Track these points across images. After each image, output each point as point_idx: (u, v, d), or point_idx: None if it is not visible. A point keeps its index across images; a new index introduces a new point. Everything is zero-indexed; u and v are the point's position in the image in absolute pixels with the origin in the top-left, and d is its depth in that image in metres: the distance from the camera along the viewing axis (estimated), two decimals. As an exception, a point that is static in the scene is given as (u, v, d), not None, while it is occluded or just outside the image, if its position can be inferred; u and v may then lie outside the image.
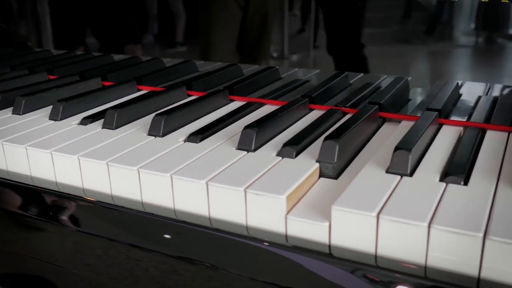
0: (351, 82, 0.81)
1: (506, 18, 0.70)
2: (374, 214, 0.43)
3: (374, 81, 0.80)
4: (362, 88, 0.77)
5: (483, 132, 0.63)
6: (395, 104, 0.73)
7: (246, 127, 0.59)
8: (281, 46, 0.87)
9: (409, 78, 0.80)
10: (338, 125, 0.61)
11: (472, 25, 0.73)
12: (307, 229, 0.47)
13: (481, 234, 0.40)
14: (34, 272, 0.63)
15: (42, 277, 0.62)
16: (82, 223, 0.56)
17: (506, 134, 0.62)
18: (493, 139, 0.61)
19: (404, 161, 0.51)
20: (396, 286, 0.42)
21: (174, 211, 0.53)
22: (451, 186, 0.48)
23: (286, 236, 0.48)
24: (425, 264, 0.42)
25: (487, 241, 0.40)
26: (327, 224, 0.46)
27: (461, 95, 0.78)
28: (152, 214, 0.52)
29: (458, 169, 0.50)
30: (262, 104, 0.77)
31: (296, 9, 0.85)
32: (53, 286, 0.62)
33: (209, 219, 0.51)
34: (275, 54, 0.89)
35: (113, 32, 1.04)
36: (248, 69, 0.91)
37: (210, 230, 0.49)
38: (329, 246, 0.46)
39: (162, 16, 0.98)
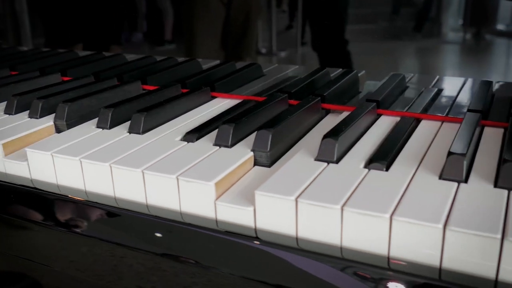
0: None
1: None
2: (293, 198, 0.46)
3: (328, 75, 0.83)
4: (313, 82, 0.80)
5: (418, 122, 0.65)
6: (341, 96, 0.75)
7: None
8: (269, 42, 0.89)
9: (363, 72, 0.82)
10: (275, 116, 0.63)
11: (429, 18, 0.76)
12: (234, 214, 0.49)
13: (388, 215, 0.42)
14: (17, 269, 0.64)
15: (25, 274, 0.64)
16: (63, 222, 0.57)
17: (440, 123, 0.64)
18: (425, 128, 0.63)
19: (331, 148, 0.53)
20: (316, 265, 0.44)
21: (115, 199, 0.55)
22: (373, 172, 0.51)
23: (216, 221, 0.50)
24: (341, 244, 0.45)
25: (393, 222, 0.42)
26: (251, 208, 0.48)
27: (407, 87, 0.80)
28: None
29: (381, 156, 0.52)
30: (213, 97, 0.79)
31: (284, 5, 0.87)
32: (37, 284, 0.63)
33: (147, 206, 0.53)
34: (263, 51, 0.90)
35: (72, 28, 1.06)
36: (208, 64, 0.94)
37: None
38: (255, 229, 0.48)
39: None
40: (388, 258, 0.43)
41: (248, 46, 0.90)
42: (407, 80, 0.81)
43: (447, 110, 0.67)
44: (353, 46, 0.82)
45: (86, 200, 0.55)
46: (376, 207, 0.43)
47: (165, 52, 1.00)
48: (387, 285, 0.41)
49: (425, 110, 0.68)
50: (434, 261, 0.41)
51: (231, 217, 0.49)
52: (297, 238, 0.47)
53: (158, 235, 0.51)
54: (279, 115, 0.62)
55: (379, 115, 0.68)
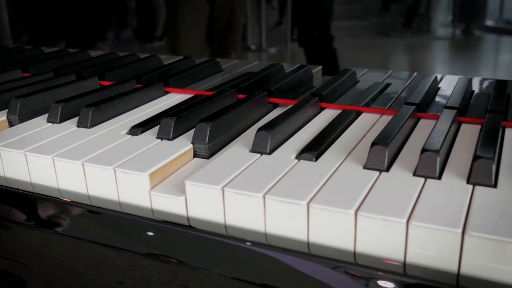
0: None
1: None
2: (220, 187, 0.48)
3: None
4: (264, 76, 0.82)
5: (358, 115, 0.67)
6: (290, 91, 0.77)
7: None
8: (259, 38, 0.90)
9: (319, 67, 0.84)
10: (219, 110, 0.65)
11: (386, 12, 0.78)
12: (168, 203, 0.51)
13: (305, 203, 0.44)
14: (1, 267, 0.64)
15: (10, 272, 0.64)
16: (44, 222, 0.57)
17: (379, 116, 0.67)
18: (364, 120, 0.65)
19: (265, 140, 0.55)
20: (241, 249, 0.46)
21: (59, 190, 0.57)
22: (302, 162, 0.53)
23: (151, 210, 0.52)
24: (265, 231, 0.47)
25: (310, 209, 0.44)
26: (183, 198, 0.50)
27: (358, 81, 0.82)
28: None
29: (312, 147, 0.54)
30: (167, 92, 0.81)
31: (274, 1, 0.88)
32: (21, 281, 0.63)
33: (88, 197, 0.55)
34: (253, 47, 0.92)
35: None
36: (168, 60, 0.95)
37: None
38: (188, 218, 0.50)
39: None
40: (308, 243, 0.45)
41: (233, 42, 0.91)
42: (360, 75, 0.83)
43: (388, 104, 0.69)
44: (340, 42, 0.83)
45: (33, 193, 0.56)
46: (296, 195, 0.45)
47: (154, 49, 1.00)
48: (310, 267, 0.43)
49: (367, 103, 0.70)
50: (347, 245, 0.43)
51: (165, 206, 0.51)
52: (225, 226, 0.49)
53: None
54: (223, 108, 0.64)
55: (322, 109, 0.70)
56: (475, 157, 0.48)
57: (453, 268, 0.40)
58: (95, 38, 1.05)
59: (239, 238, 0.46)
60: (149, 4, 0.97)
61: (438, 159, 0.48)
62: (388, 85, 0.80)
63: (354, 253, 0.44)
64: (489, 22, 0.74)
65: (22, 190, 0.57)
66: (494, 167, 0.47)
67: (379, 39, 0.81)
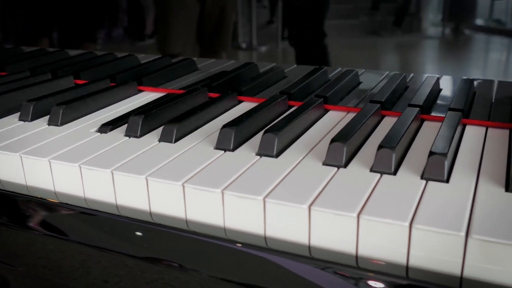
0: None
1: None
2: (180, 183, 0.49)
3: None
4: (236, 76, 0.83)
5: (325, 112, 0.69)
6: (261, 90, 0.79)
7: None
8: (249, 37, 0.91)
9: (294, 66, 0.85)
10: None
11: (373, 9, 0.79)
12: (132, 198, 0.52)
13: (261, 198, 0.46)
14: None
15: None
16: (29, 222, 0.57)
17: (345, 113, 0.68)
18: (330, 118, 0.67)
19: (228, 138, 0.56)
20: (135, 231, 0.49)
21: (27, 187, 0.58)
22: (264, 158, 0.54)
23: (116, 206, 0.53)
24: (224, 225, 0.48)
25: (266, 203, 0.46)
26: (146, 193, 0.51)
27: (329, 80, 0.83)
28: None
29: (268, 145, 0.55)
30: (140, 91, 0.82)
31: (265, 0, 0.89)
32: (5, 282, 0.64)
33: (55, 193, 0.56)
34: (244, 46, 0.92)
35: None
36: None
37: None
38: (150, 213, 0.51)
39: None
40: (265, 237, 0.47)
41: (223, 41, 0.91)
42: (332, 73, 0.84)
43: (356, 102, 0.71)
44: (331, 41, 0.83)
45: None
46: (253, 190, 0.47)
47: (145, 48, 1.00)
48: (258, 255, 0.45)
49: (334, 102, 0.71)
50: (302, 238, 0.45)
51: (129, 202, 0.52)
52: (186, 221, 0.50)
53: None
54: (192, 109, 0.65)
55: (291, 107, 0.71)
56: (430, 153, 0.49)
57: (403, 261, 0.42)
58: (76, 37, 1.06)
59: (197, 232, 0.47)
60: (135, 3, 0.98)
61: (394, 155, 0.50)
62: (359, 83, 0.81)
63: (309, 247, 0.45)
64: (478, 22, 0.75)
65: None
66: (446, 163, 0.48)
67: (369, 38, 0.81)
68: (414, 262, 0.41)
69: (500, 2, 0.71)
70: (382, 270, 0.41)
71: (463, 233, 0.39)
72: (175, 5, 0.92)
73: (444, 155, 0.48)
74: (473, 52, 0.74)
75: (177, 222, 0.50)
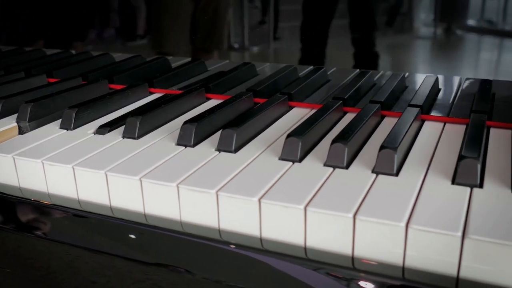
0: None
1: None
2: (137, 178, 0.50)
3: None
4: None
5: (290, 108, 0.70)
6: (230, 87, 0.80)
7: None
8: (241, 37, 0.91)
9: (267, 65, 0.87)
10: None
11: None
12: (93, 194, 0.53)
13: (214, 191, 0.47)
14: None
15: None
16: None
17: (309, 110, 0.69)
18: (295, 114, 0.68)
19: (189, 134, 0.58)
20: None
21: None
22: (222, 154, 0.55)
23: (78, 201, 0.54)
24: (180, 219, 0.49)
25: (219, 197, 0.47)
26: (106, 188, 0.52)
27: (299, 77, 0.85)
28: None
29: (227, 141, 0.57)
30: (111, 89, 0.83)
31: (257, 0, 0.89)
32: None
33: (20, 189, 0.57)
34: (236, 46, 0.93)
35: None
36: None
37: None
38: (111, 208, 0.53)
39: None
40: (219, 230, 0.48)
41: (216, 41, 0.92)
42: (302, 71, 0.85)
43: (322, 99, 0.72)
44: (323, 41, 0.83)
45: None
46: (207, 184, 0.48)
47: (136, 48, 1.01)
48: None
49: (300, 99, 0.72)
50: (254, 231, 0.46)
51: (92, 197, 0.54)
52: (145, 215, 0.51)
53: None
54: (157, 104, 0.66)
55: (256, 103, 0.72)
56: (381, 148, 0.50)
57: (348, 251, 0.43)
58: (58, 37, 1.06)
59: (157, 226, 0.49)
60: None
61: (346, 150, 0.51)
62: (328, 81, 0.82)
63: (261, 239, 0.46)
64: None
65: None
66: (396, 157, 0.50)
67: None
68: (359, 253, 0.43)
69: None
70: (322, 260, 0.42)
71: (403, 224, 0.41)
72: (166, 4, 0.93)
73: (394, 149, 0.50)
74: (441, 50, 0.76)
75: (136, 216, 0.51)
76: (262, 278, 0.44)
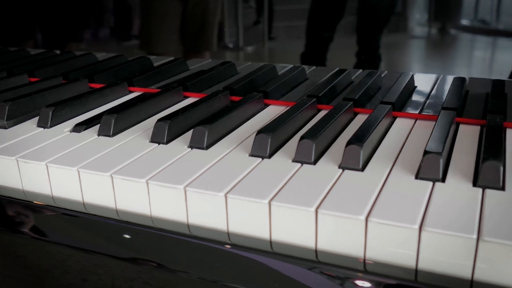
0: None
1: None
2: (108, 174, 0.51)
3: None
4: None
5: (265, 105, 0.71)
6: (209, 86, 0.81)
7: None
8: (236, 37, 0.92)
9: (249, 63, 0.87)
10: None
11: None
12: (68, 191, 0.54)
13: (182, 187, 0.48)
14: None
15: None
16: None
17: (284, 107, 0.70)
18: (269, 112, 0.69)
19: (163, 131, 0.59)
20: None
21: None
22: (194, 150, 0.56)
23: (52, 197, 0.55)
24: (150, 214, 0.50)
25: (187, 192, 0.48)
26: (78, 185, 0.53)
27: (277, 76, 0.86)
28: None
29: (199, 137, 0.58)
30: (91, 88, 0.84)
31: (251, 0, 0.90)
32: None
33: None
34: (231, 45, 0.93)
35: None
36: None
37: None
38: (83, 204, 0.53)
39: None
40: (188, 225, 0.49)
41: (206, 41, 0.93)
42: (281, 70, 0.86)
43: (298, 97, 0.73)
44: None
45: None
46: (176, 180, 0.49)
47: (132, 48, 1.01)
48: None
49: (276, 97, 0.73)
50: (221, 225, 0.47)
51: (65, 193, 0.54)
52: (116, 210, 0.52)
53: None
54: (132, 102, 0.67)
55: (233, 102, 0.73)
56: (347, 144, 0.51)
57: (311, 244, 0.44)
58: (47, 37, 1.07)
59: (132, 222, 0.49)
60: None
61: (314, 146, 0.52)
62: (306, 79, 0.83)
63: (228, 234, 0.47)
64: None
65: None
66: (362, 152, 0.51)
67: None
68: (322, 246, 0.44)
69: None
70: (285, 253, 0.43)
71: (362, 217, 0.42)
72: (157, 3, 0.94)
73: (360, 145, 0.51)
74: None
75: (108, 212, 0.52)
76: (225, 268, 0.45)
